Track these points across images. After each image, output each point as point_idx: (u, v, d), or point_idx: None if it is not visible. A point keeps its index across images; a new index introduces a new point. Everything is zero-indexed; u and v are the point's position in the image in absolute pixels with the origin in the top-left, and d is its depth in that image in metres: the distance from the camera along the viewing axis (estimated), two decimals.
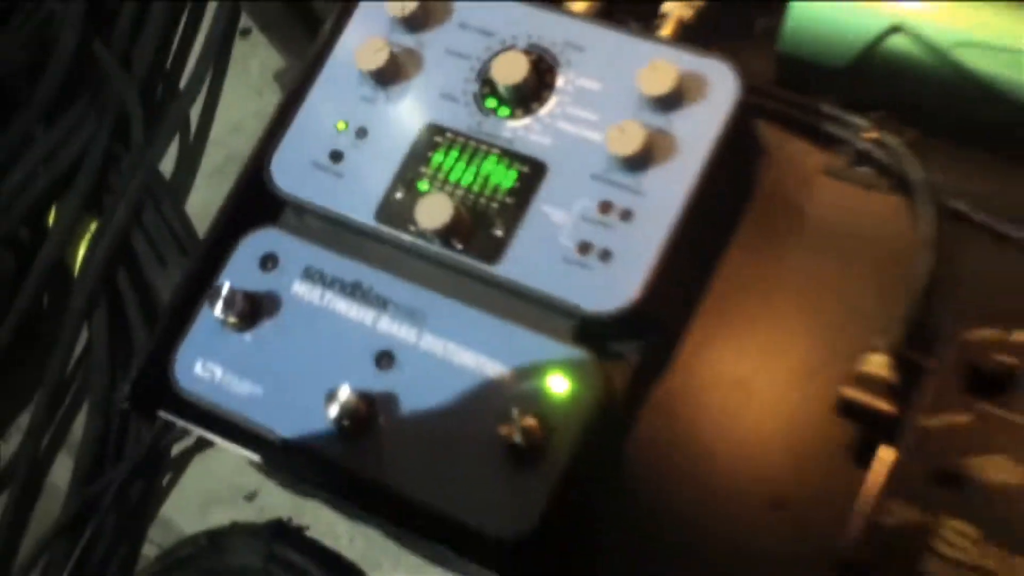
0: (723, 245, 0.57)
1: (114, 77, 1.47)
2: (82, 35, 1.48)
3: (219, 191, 1.05)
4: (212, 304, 0.56)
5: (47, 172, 1.46)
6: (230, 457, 1.30)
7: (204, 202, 1.11)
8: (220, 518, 1.18)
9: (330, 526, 1.08)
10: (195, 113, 1.49)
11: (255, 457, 0.57)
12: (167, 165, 1.47)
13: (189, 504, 1.31)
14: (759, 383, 0.54)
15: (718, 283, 0.56)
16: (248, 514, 1.20)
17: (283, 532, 1.04)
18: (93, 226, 1.39)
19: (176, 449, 1.31)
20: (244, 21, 1.52)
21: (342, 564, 1.03)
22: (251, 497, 1.27)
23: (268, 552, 1.02)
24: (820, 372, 0.53)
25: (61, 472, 1.35)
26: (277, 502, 1.26)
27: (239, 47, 1.48)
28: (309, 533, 1.04)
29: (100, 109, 1.51)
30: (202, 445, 1.31)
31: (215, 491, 1.29)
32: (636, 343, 0.54)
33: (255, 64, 1.44)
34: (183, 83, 1.52)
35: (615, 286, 0.52)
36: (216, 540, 1.05)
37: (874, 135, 0.56)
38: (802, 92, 0.57)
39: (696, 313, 0.56)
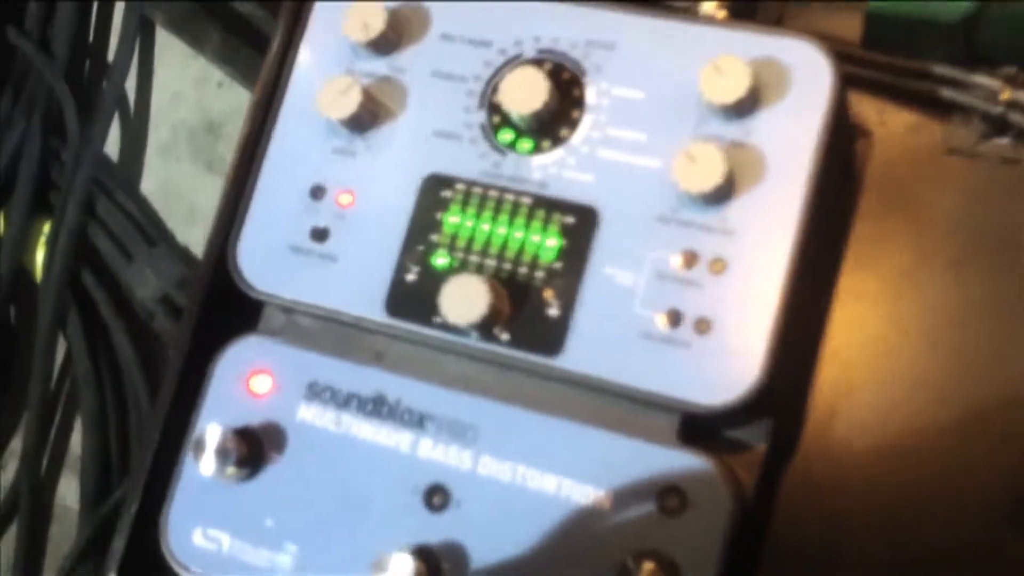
0: (835, 265, 0.44)
1: (36, 64, 1.36)
2: None
3: (173, 168, 0.89)
4: (197, 457, 0.43)
5: None
6: None
7: (160, 181, 1.05)
8: None
9: None
10: (130, 89, 1.42)
11: None
12: (112, 149, 1.41)
13: None
14: (909, 434, 0.43)
15: (838, 310, 0.44)
16: None
17: None
18: (47, 227, 1.32)
19: None
20: None
21: None
22: None
23: None
24: (984, 395, 0.41)
25: (69, 492, 1.32)
26: None
27: None
28: None
29: (28, 103, 1.40)
30: None
31: None
32: (761, 425, 0.41)
33: None
34: (111, 58, 1.44)
35: (727, 367, 0.39)
36: None
37: (1008, 96, 0.43)
38: (899, 55, 0.44)
39: (818, 356, 0.44)
